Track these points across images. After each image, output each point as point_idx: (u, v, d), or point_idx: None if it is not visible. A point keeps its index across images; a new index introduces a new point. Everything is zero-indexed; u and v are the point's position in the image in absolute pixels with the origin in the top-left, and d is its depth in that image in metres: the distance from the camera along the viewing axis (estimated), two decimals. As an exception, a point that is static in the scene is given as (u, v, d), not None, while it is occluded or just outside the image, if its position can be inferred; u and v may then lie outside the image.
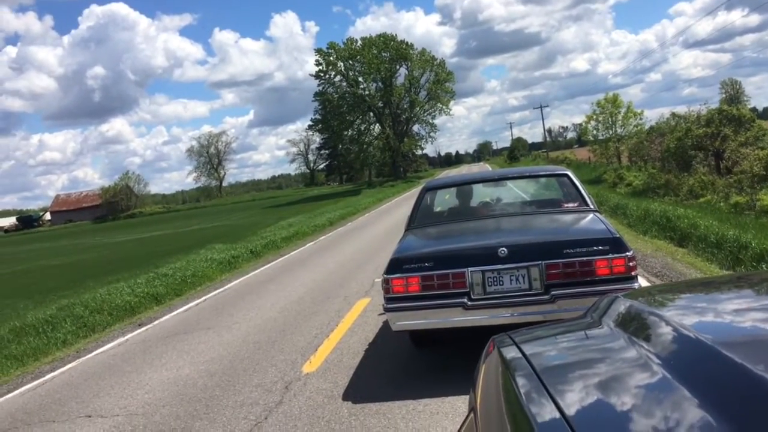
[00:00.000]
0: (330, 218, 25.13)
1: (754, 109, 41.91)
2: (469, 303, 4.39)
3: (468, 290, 4.40)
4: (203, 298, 10.76)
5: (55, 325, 9.51)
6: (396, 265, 4.60)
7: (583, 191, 5.83)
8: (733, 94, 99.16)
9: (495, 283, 4.39)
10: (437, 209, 6.84)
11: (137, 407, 5.25)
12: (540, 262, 4.32)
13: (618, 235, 4.53)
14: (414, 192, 44.41)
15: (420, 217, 6.23)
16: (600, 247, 4.33)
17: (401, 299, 4.54)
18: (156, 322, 9.26)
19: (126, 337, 8.47)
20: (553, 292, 4.29)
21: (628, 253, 4.34)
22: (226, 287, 11.63)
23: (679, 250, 9.37)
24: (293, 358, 5.99)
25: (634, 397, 1.04)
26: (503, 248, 4.37)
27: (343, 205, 33.58)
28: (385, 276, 4.62)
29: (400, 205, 30.76)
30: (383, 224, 20.85)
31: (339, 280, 10.21)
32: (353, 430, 4.06)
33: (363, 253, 13.47)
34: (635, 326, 1.36)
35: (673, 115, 26.77)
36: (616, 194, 19.18)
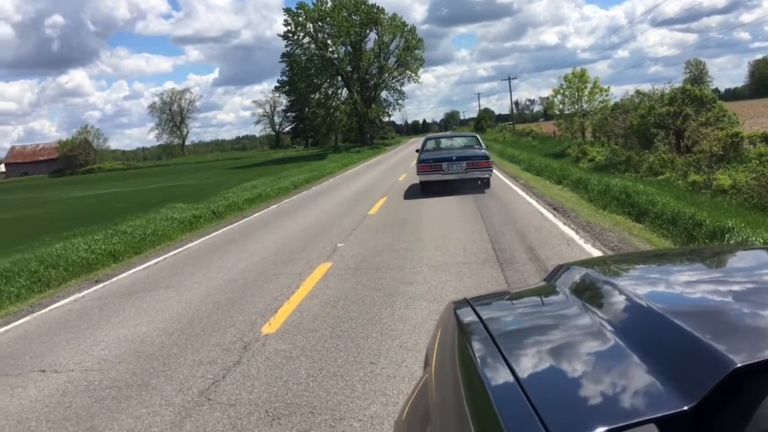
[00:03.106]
0: (294, 182, 24.96)
1: (716, 90, 42.64)
2: (443, 172, 15.33)
3: (442, 168, 15.34)
4: (163, 257, 10.64)
5: (9, 279, 9.30)
6: (421, 162, 15.82)
7: (481, 142, 17.48)
8: (697, 75, 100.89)
9: (450, 167, 15.28)
10: (428, 147, 17.64)
11: (92, 363, 5.20)
12: (464, 161, 15.27)
13: (487, 153, 16.26)
14: (379, 158, 44.35)
15: (424, 150, 17.09)
16: (482, 156, 15.65)
17: (422, 172, 15.65)
18: (113, 279, 9.14)
19: (82, 294, 8.35)
20: (467, 170, 15.17)
21: (489, 159, 15.85)
22: (186, 247, 11.52)
23: (637, 226, 9.58)
24: (253, 319, 5.99)
25: (587, 363, 1.06)
26: (453, 157, 15.49)
27: (307, 169, 33.34)
28: (417, 164, 16.00)
29: (366, 172, 30.71)
30: (347, 190, 20.81)
31: (302, 244, 10.20)
32: (310, 391, 4.09)
33: (327, 217, 13.45)
34: (590, 294, 1.39)
35: (638, 92, 27.03)
36: (578, 169, 19.44)
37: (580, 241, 8.36)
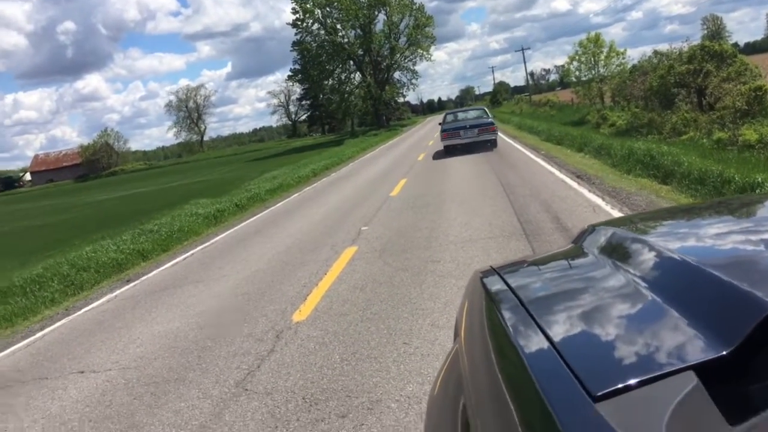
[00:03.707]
0: (314, 169, 24.99)
1: (735, 45, 41.62)
2: (460, 137, 20.17)
3: (460, 135, 20.22)
4: (190, 252, 10.74)
5: (42, 284, 9.49)
6: (443, 131, 21.06)
7: (488, 112, 23.28)
8: (715, 30, 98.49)
9: (465, 133, 20.15)
10: (448, 120, 22.29)
11: (129, 361, 5.27)
12: (476, 128, 20.09)
13: (493, 121, 21.15)
14: (397, 140, 44.19)
15: (444, 122, 22.04)
16: (489, 123, 20.36)
17: (445, 138, 20.80)
18: (144, 277, 9.25)
19: (114, 294, 8.46)
20: (479, 133, 19.89)
21: (495, 125, 20.53)
22: (212, 241, 11.60)
23: (663, 188, 9.43)
24: (283, 307, 6.02)
25: (621, 320, 1.04)
26: (467, 125, 20.44)
27: (326, 155, 33.36)
28: (441, 133, 21.32)
29: (384, 155, 30.63)
30: (367, 174, 20.79)
31: (326, 230, 10.21)
32: (346, 375, 4.10)
33: (348, 203, 13.45)
34: (619, 252, 1.36)
35: (656, 53, 26.56)
36: (599, 135, 19.16)
37: (607, 207, 8.25)
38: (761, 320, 0.81)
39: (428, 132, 48.96)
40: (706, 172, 8.78)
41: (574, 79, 37.13)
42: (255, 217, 14.05)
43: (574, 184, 10.67)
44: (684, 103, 20.76)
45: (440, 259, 6.79)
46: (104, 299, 8.27)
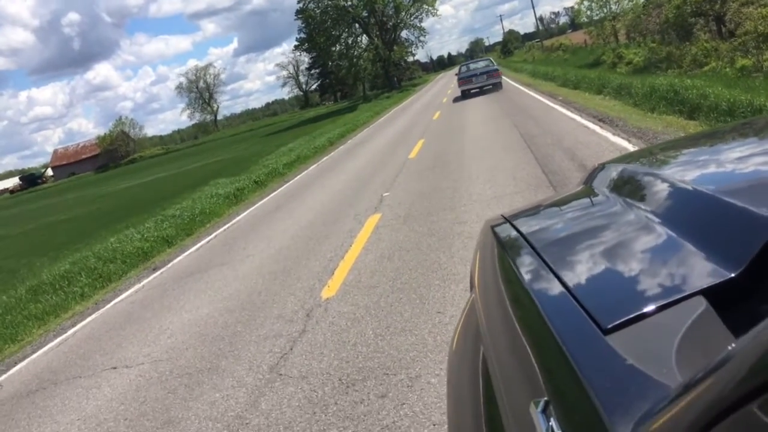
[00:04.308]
0: (330, 138, 24.76)
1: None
2: (472, 83, 26.33)
3: (472, 81, 26.34)
4: (213, 234, 10.66)
5: (71, 279, 9.49)
6: (459, 79, 27.18)
7: (493, 62, 28.95)
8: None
9: (477, 79, 26.25)
10: (462, 70, 28.20)
11: (161, 353, 5.19)
12: (484, 75, 26.13)
13: (498, 68, 27.30)
14: (410, 100, 43.66)
15: (460, 72, 28.08)
16: (494, 70, 26.34)
17: (460, 84, 26.89)
18: (169, 264, 9.19)
19: (142, 284, 8.42)
20: (487, 78, 25.92)
21: (499, 71, 26.98)
22: (234, 221, 11.51)
23: (691, 123, 9.11)
24: (311, 284, 5.88)
25: (633, 257, 1.03)
26: (478, 73, 26.55)
27: (341, 123, 33.06)
28: (457, 80, 27.62)
29: (399, 116, 30.25)
30: (384, 137, 20.51)
31: (347, 200, 10.04)
32: (381, 351, 3.95)
33: (368, 169, 13.24)
34: (629, 189, 1.35)
35: (669, -17, 25.63)
36: (617, 75, 18.60)
37: (635, 150, 7.94)
38: None
39: (441, 88, 48.29)
40: (734, 102, 8.44)
41: (585, 20, 36.18)
42: (275, 193, 13.92)
43: (596, 128, 10.33)
44: (703, 32, 20.10)
45: (467, 220, 6.58)
46: (132, 290, 8.23)
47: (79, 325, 7.22)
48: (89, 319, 7.39)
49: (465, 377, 1.35)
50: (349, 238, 7.28)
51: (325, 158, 18.89)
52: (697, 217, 1.01)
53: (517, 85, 27.73)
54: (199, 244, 10.10)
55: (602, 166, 1.61)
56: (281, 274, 6.56)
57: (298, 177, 15.74)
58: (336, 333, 4.47)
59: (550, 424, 0.77)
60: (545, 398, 0.82)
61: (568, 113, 13.26)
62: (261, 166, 19.14)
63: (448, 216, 7.00)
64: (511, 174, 8.34)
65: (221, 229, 10.94)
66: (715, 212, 0.97)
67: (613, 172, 1.51)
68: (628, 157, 1.79)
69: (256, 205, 12.71)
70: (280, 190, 14.22)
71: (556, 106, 15.18)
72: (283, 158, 20.12)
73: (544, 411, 0.80)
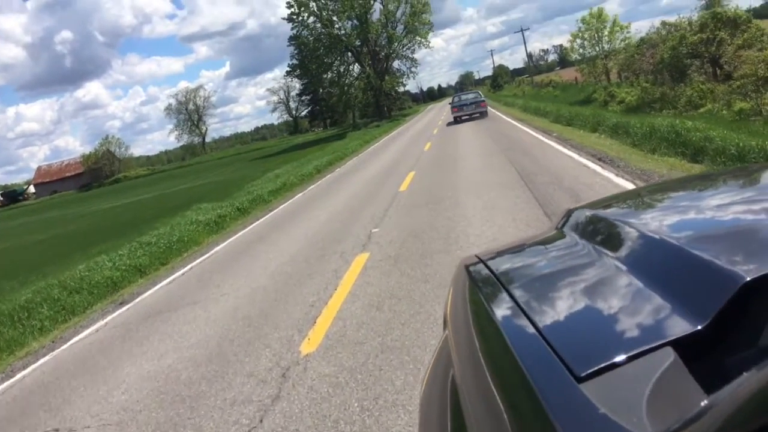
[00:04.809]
0: (317, 166, 24.18)
1: (750, 10, 40.45)
2: (463, 110, 32.03)
3: (463, 109, 32.16)
4: (189, 266, 9.97)
5: (32, 310, 8.76)
6: (452, 107, 33.26)
7: (481, 94, 35.87)
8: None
9: (467, 108, 32.06)
10: (455, 100, 34.30)
11: (111, 414, 4.48)
12: (473, 105, 32.10)
13: (485, 99, 33.69)
14: (400, 130, 43.34)
15: (453, 102, 34.23)
16: (482, 101, 32.40)
17: (453, 112, 32.68)
18: (138, 299, 8.48)
19: (105, 321, 7.71)
20: (476, 107, 31.75)
21: (485, 102, 32.85)
22: (213, 251, 10.84)
23: (695, 167, 8.67)
24: (289, 334, 5.23)
25: (603, 304, 1.02)
26: (468, 103, 32.45)
27: (329, 150, 32.56)
28: (451, 108, 33.62)
29: (388, 145, 29.85)
30: (373, 167, 19.97)
31: (333, 234, 9.41)
32: (367, 430, 3.31)
33: (356, 201, 12.64)
34: (600, 236, 1.35)
35: (664, 24, 25.61)
36: (612, 113, 18.29)
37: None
38: (734, 294, 0.81)
39: (432, 119, 48.08)
40: (743, 147, 8.01)
41: (577, 57, 36.34)
42: (258, 222, 13.28)
43: (597, 168, 9.85)
44: (698, 74, 19.93)
45: (464, 266, 5.97)
46: (94, 327, 7.52)
47: (29, 368, 6.49)
48: (42, 361, 6.66)
49: (435, 419, 1.29)
50: (335, 280, 6.64)
51: (311, 186, 18.30)
52: (664, 267, 1.02)
53: (509, 119, 27.40)
54: (172, 277, 9.41)
55: (571, 211, 1.62)
56: (257, 319, 5.90)
57: (283, 206, 15.10)
58: (315, 402, 3.81)
59: None
60: None
61: (565, 150, 12.80)
62: (245, 192, 18.51)
63: (444, 260, 6.38)
64: (510, 214, 7.77)
65: (197, 261, 10.25)
66: (681, 264, 0.97)
67: (583, 217, 1.52)
68: (597, 203, 1.78)
69: (237, 235, 12.05)
70: (263, 219, 13.57)
71: (552, 143, 14.73)
72: (269, 185, 19.50)
73: None
